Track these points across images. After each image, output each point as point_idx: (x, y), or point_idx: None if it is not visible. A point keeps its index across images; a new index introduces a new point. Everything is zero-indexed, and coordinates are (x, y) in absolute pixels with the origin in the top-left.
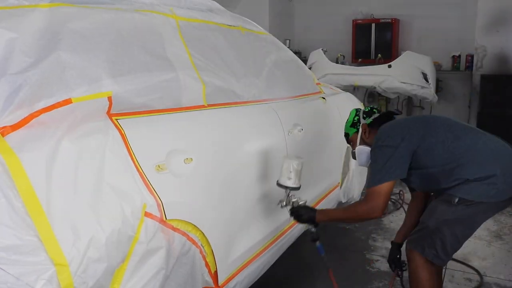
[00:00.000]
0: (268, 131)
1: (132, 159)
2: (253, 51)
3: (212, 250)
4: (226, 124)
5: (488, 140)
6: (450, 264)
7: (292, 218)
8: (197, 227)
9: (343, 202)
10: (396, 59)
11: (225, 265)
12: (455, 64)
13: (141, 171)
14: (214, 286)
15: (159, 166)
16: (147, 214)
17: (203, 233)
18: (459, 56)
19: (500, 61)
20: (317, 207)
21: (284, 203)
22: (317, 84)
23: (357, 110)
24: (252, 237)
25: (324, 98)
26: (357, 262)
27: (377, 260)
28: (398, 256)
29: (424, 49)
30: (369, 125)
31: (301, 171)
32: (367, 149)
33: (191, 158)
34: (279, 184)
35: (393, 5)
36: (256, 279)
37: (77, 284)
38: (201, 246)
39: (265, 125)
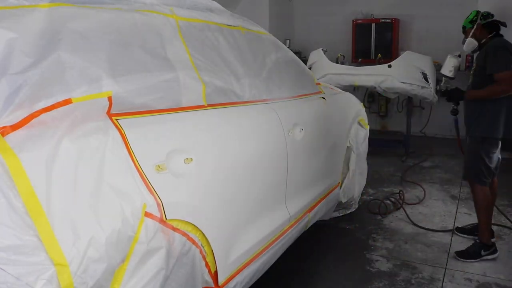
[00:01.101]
0: (268, 131)
1: (132, 159)
2: (253, 51)
3: (212, 250)
4: (226, 124)
5: None
6: (450, 264)
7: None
8: (197, 227)
9: (343, 202)
10: (396, 59)
11: (225, 265)
12: None
13: (141, 171)
14: (214, 286)
15: (159, 166)
16: (147, 214)
17: (203, 233)
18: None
19: None
20: (317, 208)
21: (442, 87)
22: (317, 84)
23: (478, 12)
24: (252, 237)
25: (324, 98)
26: (357, 262)
27: (377, 260)
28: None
29: (424, 49)
30: (483, 25)
31: (458, 67)
32: (475, 42)
33: (191, 158)
34: (442, 74)
35: (393, 5)
36: (256, 279)
37: (77, 284)
38: (201, 246)
39: (265, 125)
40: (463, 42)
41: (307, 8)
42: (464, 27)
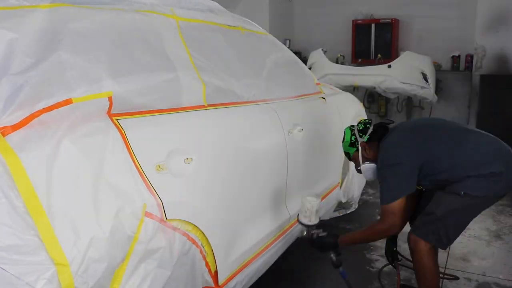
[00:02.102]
0: (268, 131)
1: (132, 159)
2: (253, 51)
3: (212, 250)
4: (226, 124)
5: (489, 140)
6: (450, 264)
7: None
8: (197, 227)
9: (343, 202)
10: (396, 59)
11: (225, 265)
12: (455, 64)
13: (141, 171)
14: (214, 286)
15: (159, 166)
16: (147, 214)
17: (203, 233)
18: (459, 56)
19: (500, 61)
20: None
21: (305, 235)
22: (317, 84)
23: (351, 129)
24: (252, 236)
25: (324, 98)
26: (357, 262)
27: (377, 260)
28: (394, 249)
29: (423, 49)
30: (367, 141)
31: (318, 210)
32: (371, 166)
33: (191, 158)
34: (299, 222)
35: (393, 5)
36: (256, 278)
37: (77, 284)
38: (201, 246)
39: (265, 125)
40: (359, 171)
41: (307, 8)
42: (347, 154)
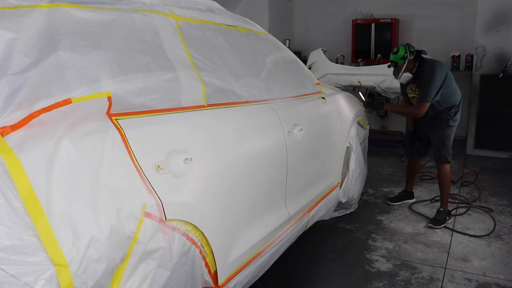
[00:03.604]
0: (268, 131)
1: (132, 159)
2: (253, 51)
3: (212, 250)
4: (226, 124)
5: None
6: (451, 264)
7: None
8: (197, 227)
9: (343, 202)
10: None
11: (225, 265)
12: (455, 64)
13: (141, 171)
14: (214, 286)
15: (159, 166)
16: (146, 214)
17: (203, 233)
18: (459, 56)
19: (500, 61)
20: (317, 208)
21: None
22: (317, 84)
23: (405, 48)
24: (252, 237)
25: (324, 98)
26: (357, 263)
27: (377, 260)
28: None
29: (424, 49)
30: (411, 59)
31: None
32: (409, 75)
33: (191, 158)
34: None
35: (393, 5)
36: (256, 279)
37: (77, 284)
38: (201, 246)
39: (265, 125)
40: (397, 76)
41: (307, 8)
42: (395, 63)
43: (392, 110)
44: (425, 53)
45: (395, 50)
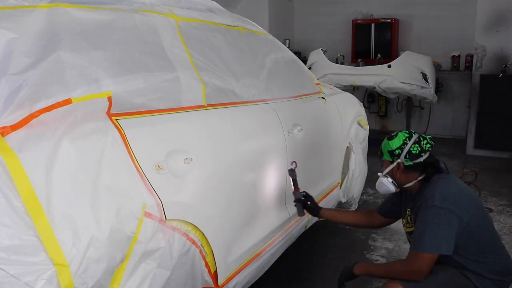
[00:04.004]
0: (268, 131)
1: (132, 159)
2: (253, 51)
3: (212, 250)
4: (226, 124)
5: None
6: None
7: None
8: (197, 227)
9: (343, 202)
10: (396, 59)
11: (224, 265)
12: (455, 64)
13: (141, 171)
14: (214, 286)
15: (159, 166)
16: (147, 214)
17: (203, 233)
18: (459, 56)
19: (500, 61)
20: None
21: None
22: (317, 84)
23: (404, 142)
24: (252, 237)
25: (324, 98)
26: None
27: (377, 260)
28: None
29: (423, 49)
30: (407, 166)
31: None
32: (390, 186)
33: (191, 158)
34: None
35: (392, 5)
36: (256, 278)
37: (77, 284)
38: (201, 246)
39: (265, 125)
40: (377, 177)
41: (307, 8)
42: (381, 154)
43: (367, 273)
44: (444, 170)
45: (392, 134)
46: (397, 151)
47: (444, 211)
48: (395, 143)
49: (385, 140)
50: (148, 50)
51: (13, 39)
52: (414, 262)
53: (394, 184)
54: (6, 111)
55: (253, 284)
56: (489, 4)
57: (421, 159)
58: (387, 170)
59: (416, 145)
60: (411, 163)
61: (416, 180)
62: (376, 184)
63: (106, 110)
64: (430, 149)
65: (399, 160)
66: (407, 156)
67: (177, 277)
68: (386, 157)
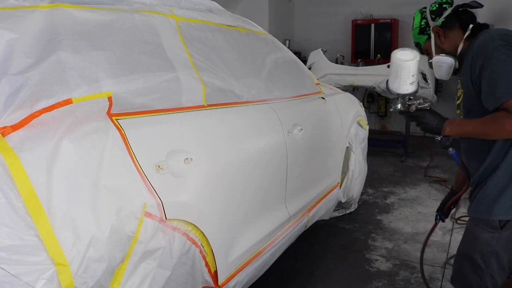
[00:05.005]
0: (267, 131)
1: (132, 159)
2: (252, 51)
3: (212, 250)
4: (226, 124)
5: None
6: (450, 263)
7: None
8: (197, 227)
9: (342, 202)
10: None
11: (225, 265)
12: None
13: (141, 171)
14: (214, 286)
15: (159, 166)
16: (147, 214)
17: (203, 233)
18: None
19: None
20: (316, 208)
21: (400, 107)
22: (317, 84)
23: (422, 12)
24: (252, 236)
25: (324, 98)
26: (356, 262)
27: (377, 260)
28: (452, 207)
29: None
30: (443, 26)
31: (416, 72)
32: (447, 59)
33: (191, 158)
34: (400, 94)
35: (392, 5)
36: (256, 278)
37: (77, 284)
38: (201, 246)
39: (265, 125)
40: (431, 66)
41: (307, 8)
42: (417, 45)
43: (461, 133)
44: (480, 5)
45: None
46: (423, 22)
47: (508, 47)
48: (416, 21)
49: (412, 33)
50: (148, 50)
51: (14, 39)
52: (502, 119)
53: (450, 53)
54: (6, 111)
55: (253, 284)
56: (489, 4)
57: (449, 10)
58: (433, 46)
59: (433, 4)
60: (443, 19)
61: (464, 39)
62: (434, 70)
63: (107, 110)
64: (450, 1)
65: (432, 25)
66: (433, 17)
67: (177, 277)
68: (422, 39)
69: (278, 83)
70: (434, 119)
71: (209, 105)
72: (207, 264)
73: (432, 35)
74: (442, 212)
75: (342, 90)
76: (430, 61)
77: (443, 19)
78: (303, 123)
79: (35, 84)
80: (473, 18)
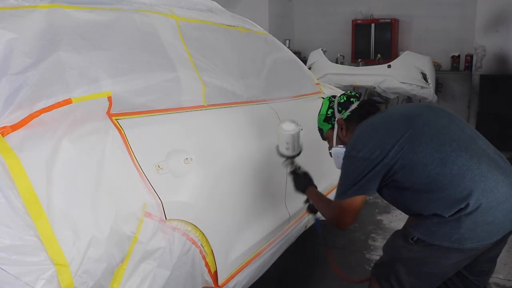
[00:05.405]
0: (268, 131)
1: (132, 159)
2: (253, 51)
3: (212, 250)
4: (226, 124)
5: (487, 167)
6: None
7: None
8: (197, 227)
9: None
10: (396, 59)
11: (225, 265)
12: (455, 64)
13: (141, 171)
14: (214, 286)
15: (159, 166)
16: (147, 214)
17: (203, 233)
18: (459, 56)
19: (500, 61)
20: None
21: (287, 167)
22: (317, 84)
23: (331, 101)
24: (252, 236)
25: (324, 98)
26: (357, 262)
27: None
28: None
29: (423, 49)
30: (347, 119)
31: (298, 137)
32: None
33: (191, 158)
34: (279, 153)
35: (392, 5)
36: (256, 278)
37: (77, 284)
38: (201, 246)
39: (265, 125)
40: (330, 154)
41: (307, 8)
42: (320, 130)
43: (311, 199)
44: (382, 101)
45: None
46: (329, 112)
47: (354, 159)
48: (323, 109)
49: (317, 118)
50: (148, 50)
51: (13, 39)
52: (339, 212)
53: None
54: (6, 111)
55: (253, 284)
56: (489, 4)
57: (355, 105)
58: (335, 138)
59: (342, 96)
60: (349, 113)
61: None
62: (334, 161)
63: (106, 110)
64: (357, 95)
65: (337, 117)
66: (340, 109)
67: (177, 277)
68: (326, 127)
69: (278, 83)
70: (302, 182)
71: (209, 105)
72: (207, 264)
73: (336, 126)
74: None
75: (342, 90)
76: (330, 151)
77: (349, 113)
78: (303, 123)
79: (34, 84)
80: (372, 107)
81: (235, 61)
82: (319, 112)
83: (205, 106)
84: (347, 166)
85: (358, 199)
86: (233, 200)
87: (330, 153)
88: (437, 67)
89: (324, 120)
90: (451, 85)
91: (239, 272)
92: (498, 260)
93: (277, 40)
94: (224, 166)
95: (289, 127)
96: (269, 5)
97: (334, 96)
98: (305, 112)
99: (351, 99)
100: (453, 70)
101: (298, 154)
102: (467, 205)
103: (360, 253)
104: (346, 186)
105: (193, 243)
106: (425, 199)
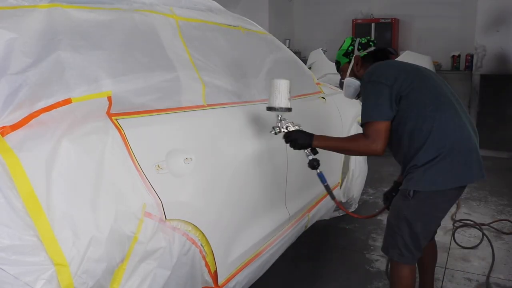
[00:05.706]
0: (267, 131)
1: (132, 159)
2: (253, 51)
3: (212, 250)
4: (226, 124)
5: (460, 123)
6: (451, 264)
7: (288, 145)
8: (197, 227)
9: (343, 202)
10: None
11: (225, 265)
12: (455, 64)
13: (141, 171)
14: (214, 286)
15: (159, 166)
16: (147, 214)
17: (203, 233)
18: (459, 56)
19: (500, 61)
20: (316, 208)
21: (278, 129)
22: (317, 83)
23: (353, 39)
24: (252, 236)
25: (324, 97)
26: (357, 262)
27: (377, 260)
28: (393, 194)
29: (423, 49)
30: (363, 58)
31: (289, 92)
32: (356, 82)
33: (190, 158)
34: (269, 108)
35: (393, 5)
36: (256, 278)
37: (77, 284)
38: (201, 246)
39: (265, 125)
40: (341, 84)
41: (307, 8)
42: (337, 63)
43: (325, 146)
44: (394, 53)
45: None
46: (350, 48)
47: (374, 83)
48: (345, 44)
49: (337, 52)
50: (148, 50)
51: (13, 39)
52: (371, 134)
53: (357, 78)
54: (6, 111)
55: (253, 284)
56: (489, 4)
57: (372, 48)
58: (349, 71)
59: (363, 38)
60: (366, 53)
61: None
62: (344, 90)
63: (106, 110)
64: (375, 42)
65: (355, 54)
66: (360, 48)
67: (177, 277)
68: (343, 61)
69: None
70: (304, 135)
71: (209, 105)
72: (207, 264)
73: (353, 61)
74: (387, 199)
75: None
76: (343, 80)
77: (366, 53)
78: (304, 123)
79: (34, 84)
80: (386, 58)
81: (235, 61)
82: (340, 47)
83: (205, 106)
84: (368, 90)
85: (382, 125)
86: (233, 200)
87: (342, 83)
88: (437, 67)
89: (344, 55)
90: (452, 85)
91: (239, 272)
92: (499, 260)
93: (277, 40)
94: (224, 166)
95: (282, 80)
96: (269, 5)
97: (355, 37)
98: (306, 111)
99: (370, 43)
100: (454, 70)
101: (290, 109)
102: (446, 149)
103: (360, 253)
104: (369, 107)
105: (193, 243)
106: (418, 138)
